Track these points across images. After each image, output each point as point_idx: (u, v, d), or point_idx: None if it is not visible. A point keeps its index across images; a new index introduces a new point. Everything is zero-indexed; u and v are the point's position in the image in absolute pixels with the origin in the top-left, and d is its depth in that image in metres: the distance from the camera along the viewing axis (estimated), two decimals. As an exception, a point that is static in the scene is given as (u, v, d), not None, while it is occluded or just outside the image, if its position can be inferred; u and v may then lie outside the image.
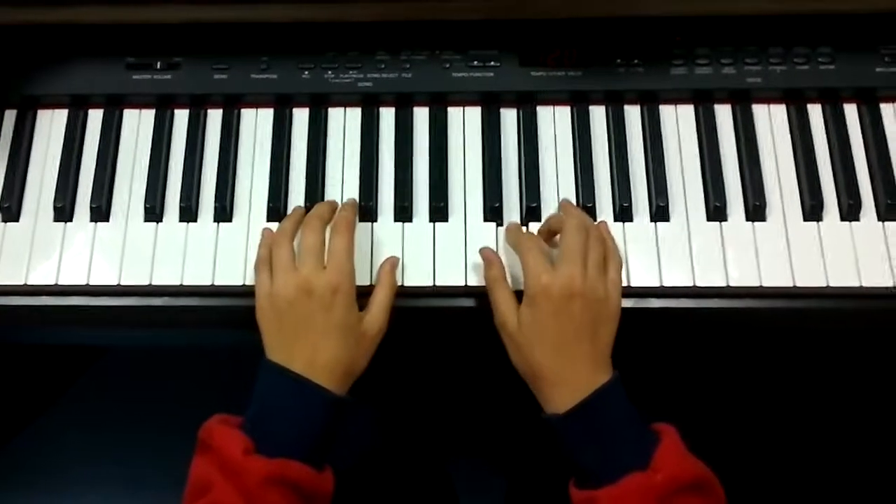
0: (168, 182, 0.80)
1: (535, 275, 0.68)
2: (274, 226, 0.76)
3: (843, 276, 0.74)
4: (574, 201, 0.78)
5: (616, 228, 0.77)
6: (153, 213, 0.78)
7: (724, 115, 0.81)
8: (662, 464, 0.62)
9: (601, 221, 0.77)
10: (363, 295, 0.70)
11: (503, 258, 0.74)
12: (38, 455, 1.27)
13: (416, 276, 0.75)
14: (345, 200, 0.78)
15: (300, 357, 0.66)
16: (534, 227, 0.77)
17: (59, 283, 0.75)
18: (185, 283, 0.75)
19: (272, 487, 0.60)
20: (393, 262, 0.74)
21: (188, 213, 0.78)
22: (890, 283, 0.74)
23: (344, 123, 0.82)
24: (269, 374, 0.67)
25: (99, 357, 1.33)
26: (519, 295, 0.70)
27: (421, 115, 0.82)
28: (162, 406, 1.29)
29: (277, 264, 0.69)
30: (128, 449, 1.28)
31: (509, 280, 0.72)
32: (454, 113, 0.82)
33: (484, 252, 0.74)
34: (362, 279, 0.73)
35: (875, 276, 0.74)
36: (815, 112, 0.81)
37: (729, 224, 0.77)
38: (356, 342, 0.68)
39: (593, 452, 0.64)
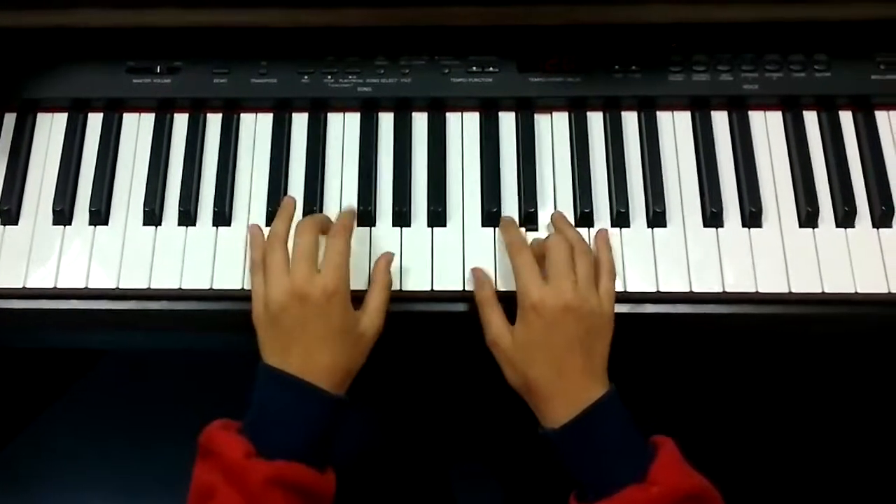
0: (167, 186, 0.80)
1: (526, 290, 0.68)
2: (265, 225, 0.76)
3: (838, 283, 0.75)
4: (572, 207, 0.79)
5: (613, 234, 0.77)
6: (152, 217, 0.78)
7: (720, 121, 0.82)
8: (659, 477, 0.62)
9: (601, 230, 0.76)
10: (358, 299, 0.71)
11: (501, 263, 0.74)
12: (34, 459, 1.26)
13: (414, 280, 0.76)
14: (344, 207, 0.78)
15: (295, 361, 0.66)
16: (529, 235, 0.77)
17: (58, 286, 0.76)
18: (183, 286, 0.75)
19: (274, 489, 0.60)
20: (388, 259, 0.73)
21: (187, 217, 0.78)
22: (885, 290, 0.74)
23: (343, 128, 0.82)
24: (266, 377, 0.67)
25: (95, 361, 1.32)
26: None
27: (420, 121, 0.82)
28: (159, 410, 1.29)
29: (271, 269, 0.69)
30: (124, 453, 1.27)
31: (503, 283, 0.72)
32: (453, 118, 0.82)
33: (475, 272, 0.74)
34: (359, 283, 0.73)
35: (870, 283, 0.75)
36: (810, 119, 0.82)
37: (725, 230, 0.77)
38: (353, 345, 0.68)
39: (590, 466, 0.64)
